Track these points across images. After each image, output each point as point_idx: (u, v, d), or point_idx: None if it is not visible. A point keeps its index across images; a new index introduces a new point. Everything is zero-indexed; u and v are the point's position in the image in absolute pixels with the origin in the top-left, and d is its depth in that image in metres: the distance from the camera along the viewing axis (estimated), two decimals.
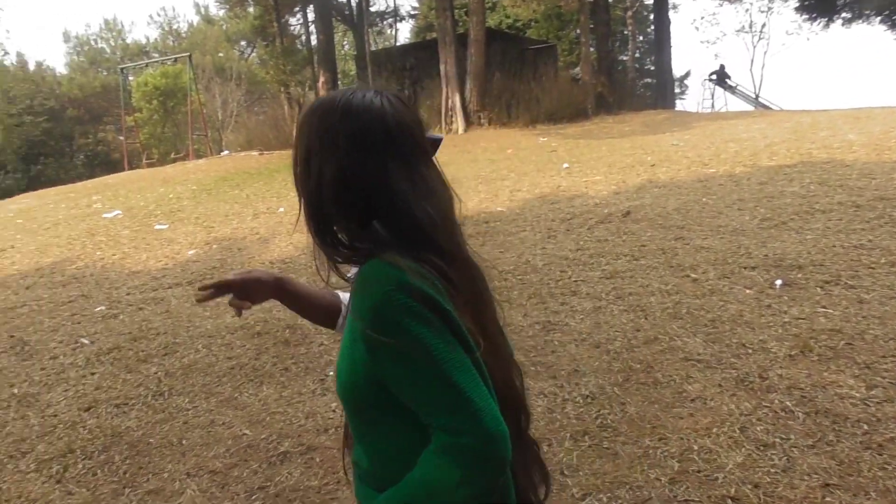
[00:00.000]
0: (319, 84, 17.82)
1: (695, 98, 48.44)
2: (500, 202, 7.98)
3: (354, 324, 1.04)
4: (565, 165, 9.54)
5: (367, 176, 1.05)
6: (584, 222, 6.72)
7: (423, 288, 0.98)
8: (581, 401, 3.49)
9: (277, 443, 3.46)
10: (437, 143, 1.60)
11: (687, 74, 38.22)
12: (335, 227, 1.10)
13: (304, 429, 3.57)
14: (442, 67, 15.60)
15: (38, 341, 5.36)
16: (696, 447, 2.92)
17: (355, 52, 23.33)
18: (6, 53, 53.19)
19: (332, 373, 4.22)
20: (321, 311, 1.45)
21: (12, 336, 5.53)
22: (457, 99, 15.27)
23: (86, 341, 5.23)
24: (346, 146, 1.05)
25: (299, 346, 4.64)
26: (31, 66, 41.12)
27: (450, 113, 15.52)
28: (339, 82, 19.81)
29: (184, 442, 3.60)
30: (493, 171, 9.83)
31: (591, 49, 18.49)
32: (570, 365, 3.90)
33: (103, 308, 5.96)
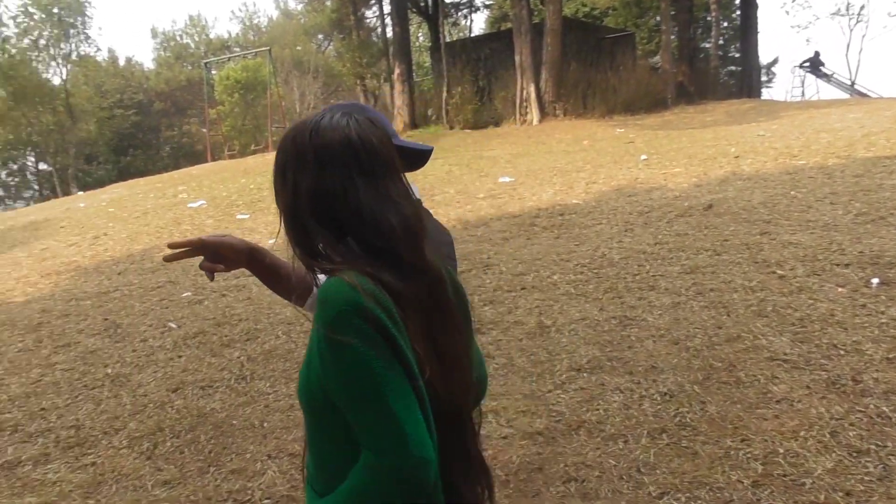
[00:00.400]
0: (394, 76, 18.00)
1: (783, 86, 46.24)
2: (575, 194, 7.87)
3: (314, 333, 1.08)
4: (643, 157, 9.31)
5: (334, 188, 1.12)
6: (663, 215, 6.54)
7: (375, 312, 1.02)
8: (659, 398, 3.41)
9: None
10: (426, 154, 1.64)
11: (775, 61, 36.65)
12: (313, 239, 1.15)
13: None
14: (517, 58, 15.46)
15: (129, 324, 5.66)
16: (781, 450, 2.80)
17: (430, 44, 23.43)
18: (98, 50, 56.24)
19: None
20: (290, 288, 1.50)
21: (106, 319, 5.86)
22: (532, 89, 15.11)
23: (173, 325, 5.48)
24: (315, 162, 1.13)
25: None
26: (122, 62, 43.29)
27: (524, 104, 15.38)
28: (413, 74, 19.97)
29: (265, 424, 3.73)
30: (568, 163, 9.70)
31: (672, 37, 17.93)
32: (648, 361, 3.81)
33: (189, 294, 6.23)
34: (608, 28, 21.61)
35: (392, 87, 18.72)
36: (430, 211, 1.66)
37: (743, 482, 2.65)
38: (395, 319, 1.05)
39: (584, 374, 3.79)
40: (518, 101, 15.43)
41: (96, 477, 3.42)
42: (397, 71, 17.95)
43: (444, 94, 16.40)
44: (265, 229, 8.34)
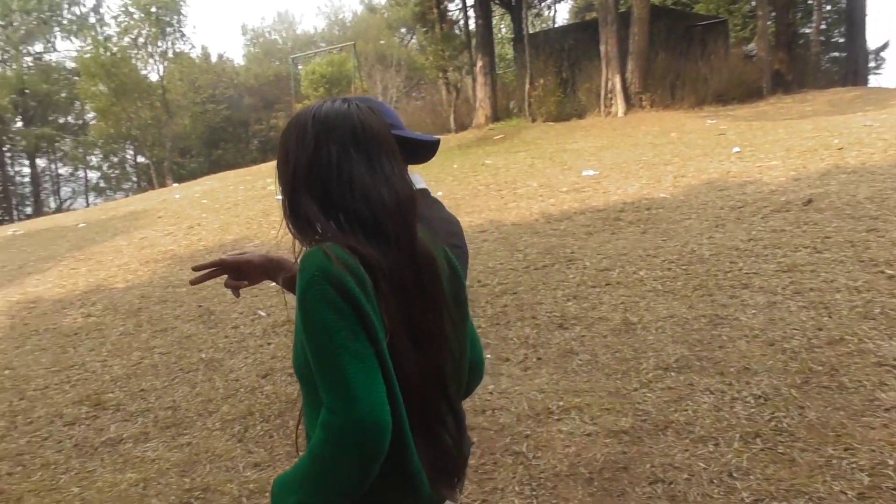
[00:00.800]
0: (477, 68, 17.97)
1: (893, 73, 43.07)
2: (662, 188, 7.63)
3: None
4: (736, 149, 8.92)
5: (330, 162, 1.19)
6: (758, 210, 6.24)
7: (341, 277, 1.07)
8: (752, 401, 3.26)
9: None
10: (434, 144, 1.67)
11: (884, 46, 34.24)
12: (305, 212, 1.20)
13: (464, 408, 3.64)
14: (602, 48, 15.12)
15: (221, 312, 5.90)
16: (891, 462, 2.62)
17: (513, 36, 23.26)
18: (193, 47, 58.84)
19: (489, 355, 4.27)
20: None
21: (200, 306, 6.14)
22: (617, 80, 14.75)
23: (262, 314, 5.68)
24: (314, 138, 1.21)
25: None
26: (214, 59, 45.12)
27: (609, 95, 15.03)
28: (496, 66, 19.87)
29: None
30: (655, 156, 9.41)
31: (769, 22, 17.07)
32: (740, 362, 3.66)
33: (276, 284, 6.43)
34: (699, 15, 20.80)
35: (474, 80, 18.67)
36: (440, 201, 1.71)
37: (847, 493, 2.50)
38: (364, 288, 1.09)
39: (672, 374, 3.67)
40: (603, 93, 15.09)
41: (191, 456, 3.59)
42: (480, 63, 17.89)
43: (527, 87, 16.23)
44: None
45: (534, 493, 2.87)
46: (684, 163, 8.68)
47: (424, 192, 1.66)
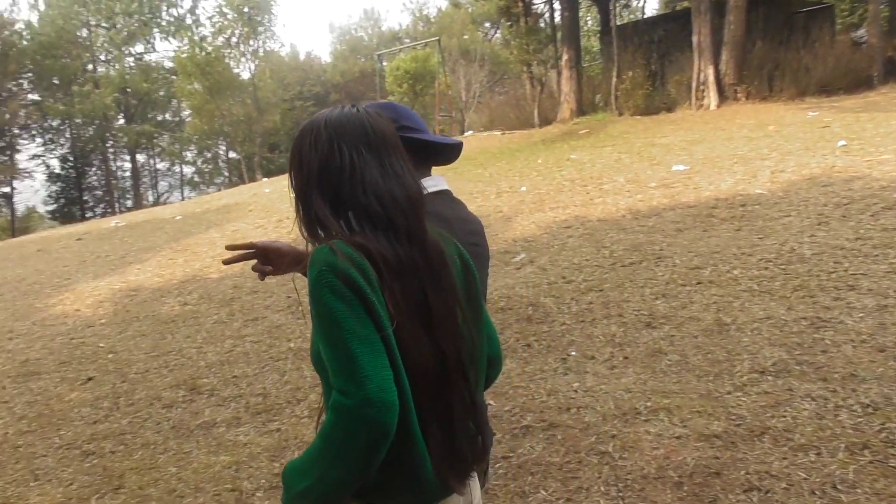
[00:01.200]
0: (562, 62, 17.68)
1: None
2: (759, 184, 7.27)
3: None
4: (842, 143, 8.39)
5: (342, 163, 1.26)
6: (866, 208, 5.85)
7: (347, 270, 1.14)
8: (860, 410, 3.07)
9: (520, 416, 3.54)
10: (456, 147, 1.72)
11: None
12: (316, 213, 1.28)
13: (546, 405, 3.60)
14: (694, 38, 14.55)
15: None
16: None
17: (599, 28, 22.77)
18: (282, 45, 60.75)
19: (574, 353, 4.20)
20: None
21: (289, 297, 6.33)
22: (710, 72, 14.16)
23: None
24: (329, 143, 1.28)
25: (541, 324, 4.68)
26: (302, 56, 46.46)
27: (701, 87, 14.45)
28: (582, 59, 19.50)
29: None
30: (750, 150, 8.98)
31: (882, 6, 15.98)
32: (846, 368, 3.44)
33: None
34: (801, 1, 19.71)
35: (559, 74, 18.39)
36: (462, 201, 1.75)
37: None
38: (369, 279, 1.16)
39: (769, 378, 3.50)
40: (694, 85, 14.53)
41: (281, 442, 3.71)
42: (565, 57, 17.61)
43: (614, 80, 15.84)
44: None
45: (620, 494, 2.80)
46: (783, 157, 8.25)
47: (447, 193, 1.71)
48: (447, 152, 1.70)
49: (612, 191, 7.96)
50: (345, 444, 1.12)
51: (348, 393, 1.10)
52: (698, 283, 4.91)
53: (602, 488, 2.86)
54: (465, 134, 20.42)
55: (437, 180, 1.67)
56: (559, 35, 19.00)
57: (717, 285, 4.82)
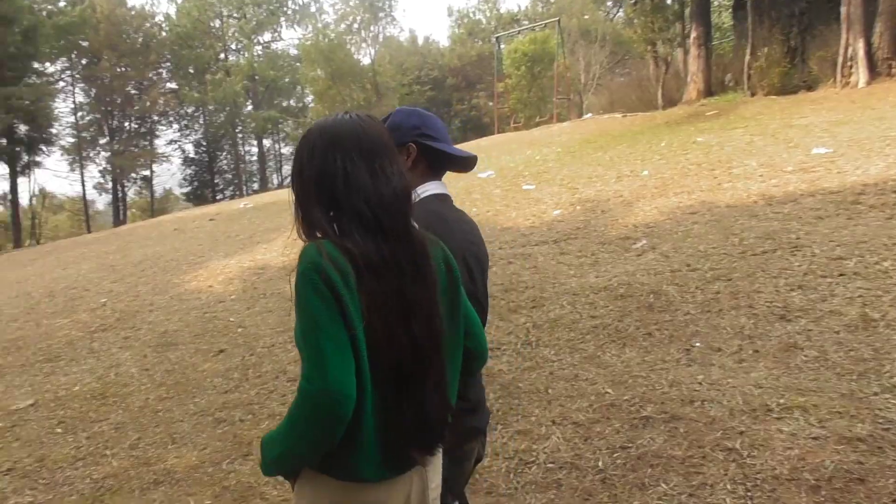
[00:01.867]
0: (690, 40, 16.79)
1: None
2: None
3: None
4: None
5: (336, 169, 1.41)
6: None
7: (328, 272, 1.30)
8: None
9: (640, 406, 3.43)
10: (471, 160, 1.90)
11: None
12: (311, 215, 1.42)
13: (668, 397, 3.47)
14: (843, 9, 13.34)
15: None
16: None
17: (732, 2, 21.45)
18: (402, 30, 61.83)
19: (698, 344, 4.02)
20: None
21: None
22: (860, 45, 12.94)
23: None
24: (322, 151, 1.43)
25: (664, 313, 4.51)
26: (420, 41, 47.01)
27: (848, 63, 13.24)
28: (711, 37, 18.45)
29: (549, 391, 3.80)
30: None
31: None
32: None
33: None
34: None
35: (686, 52, 17.50)
36: (464, 210, 1.94)
37: None
38: (347, 280, 1.31)
39: None
40: (840, 61, 13.34)
41: None
42: (694, 34, 16.70)
43: (747, 57, 14.84)
44: (550, 199, 8.46)
45: (748, 493, 2.66)
46: None
47: (448, 198, 1.89)
48: (461, 162, 1.89)
49: (743, 175, 7.50)
50: (306, 423, 1.32)
51: (312, 380, 1.28)
52: (841, 275, 4.54)
53: (728, 486, 2.72)
54: (585, 117, 19.95)
55: (440, 186, 1.87)
56: (687, 11, 18.08)
57: (863, 278, 4.44)
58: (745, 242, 5.48)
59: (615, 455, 3.07)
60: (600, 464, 3.03)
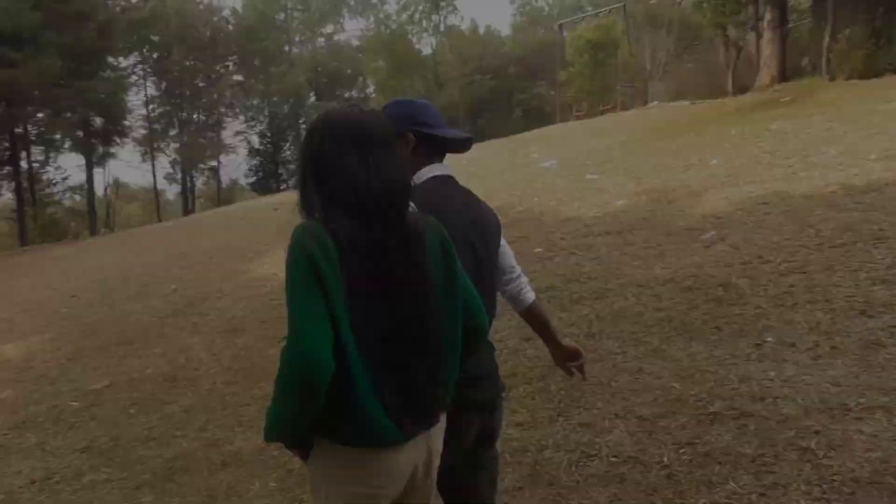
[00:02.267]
0: (764, 23, 16.12)
1: None
2: None
3: None
4: None
5: (329, 157, 1.53)
6: None
7: (311, 249, 1.42)
8: None
9: (707, 402, 3.33)
10: (465, 140, 2.08)
11: None
12: (308, 199, 1.55)
13: (738, 392, 3.35)
14: None
15: None
16: None
17: None
18: (462, 20, 61.65)
19: (770, 339, 3.86)
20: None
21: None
22: None
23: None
24: (321, 140, 1.56)
25: (733, 306, 4.35)
26: (481, 30, 46.67)
27: None
28: (787, 19, 17.65)
29: (612, 384, 3.72)
30: None
31: None
32: None
33: (540, 250, 6.51)
34: None
35: (759, 36, 16.82)
36: (470, 189, 2.09)
37: None
38: (329, 258, 1.42)
39: None
40: None
41: None
42: (768, 17, 16.03)
43: (826, 40, 14.15)
44: (614, 189, 8.29)
45: (825, 495, 2.54)
46: None
47: (452, 178, 2.02)
48: (457, 143, 2.04)
49: (821, 164, 7.16)
50: (288, 389, 1.43)
51: (290, 347, 1.41)
52: None
53: (803, 487, 2.61)
54: (650, 105, 19.46)
55: (441, 168, 2.00)
56: None
57: None
58: (822, 234, 5.23)
59: (681, 451, 2.98)
60: (665, 459, 2.95)
